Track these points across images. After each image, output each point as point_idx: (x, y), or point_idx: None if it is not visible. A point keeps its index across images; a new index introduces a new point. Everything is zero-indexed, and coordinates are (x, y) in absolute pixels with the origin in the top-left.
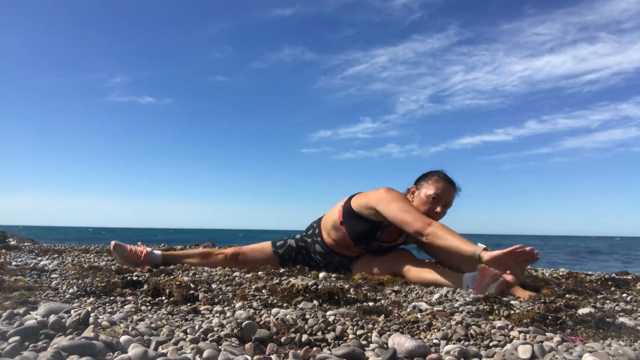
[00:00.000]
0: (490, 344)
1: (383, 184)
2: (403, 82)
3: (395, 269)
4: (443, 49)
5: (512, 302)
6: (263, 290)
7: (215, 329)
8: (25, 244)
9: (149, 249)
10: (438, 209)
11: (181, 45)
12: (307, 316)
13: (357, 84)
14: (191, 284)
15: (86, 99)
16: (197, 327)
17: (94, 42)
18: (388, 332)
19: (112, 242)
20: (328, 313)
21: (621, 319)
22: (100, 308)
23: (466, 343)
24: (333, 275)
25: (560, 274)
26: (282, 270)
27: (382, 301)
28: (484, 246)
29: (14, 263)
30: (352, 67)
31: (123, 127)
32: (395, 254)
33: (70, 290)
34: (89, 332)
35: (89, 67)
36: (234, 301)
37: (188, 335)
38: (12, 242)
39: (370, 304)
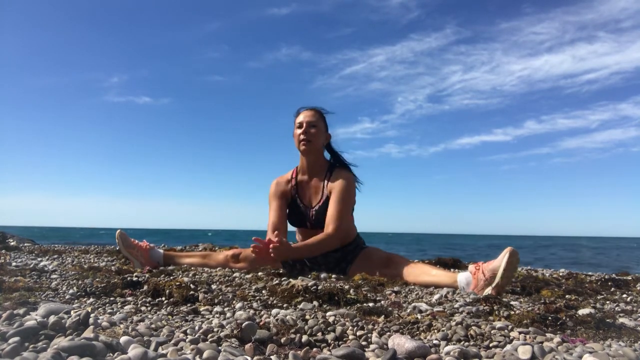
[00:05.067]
0: (491, 345)
1: (382, 183)
2: (401, 82)
3: (390, 271)
4: (441, 49)
5: (512, 302)
6: (263, 291)
7: (215, 329)
8: (25, 244)
9: (152, 245)
10: (298, 132)
11: (178, 45)
12: (307, 317)
13: (354, 83)
14: (191, 285)
15: (83, 99)
16: (197, 327)
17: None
18: (388, 333)
19: (118, 230)
20: (328, 314)
21: (621, 320)
22: (100, 309)
23: (466, 344)
24: (333, 275)
25: (560, 274)
26: (282, 270)
27: (382, 302)
28: None
29: (14, 264)
30: (349, 67)
31: (120, 127)
32: (385, 255)
33: (70, 291)
34: (88, 333)
35: (85, 66)
36: (234, 302)
37: (188, 336)
38: (12, 243)
39: (370, 304)
